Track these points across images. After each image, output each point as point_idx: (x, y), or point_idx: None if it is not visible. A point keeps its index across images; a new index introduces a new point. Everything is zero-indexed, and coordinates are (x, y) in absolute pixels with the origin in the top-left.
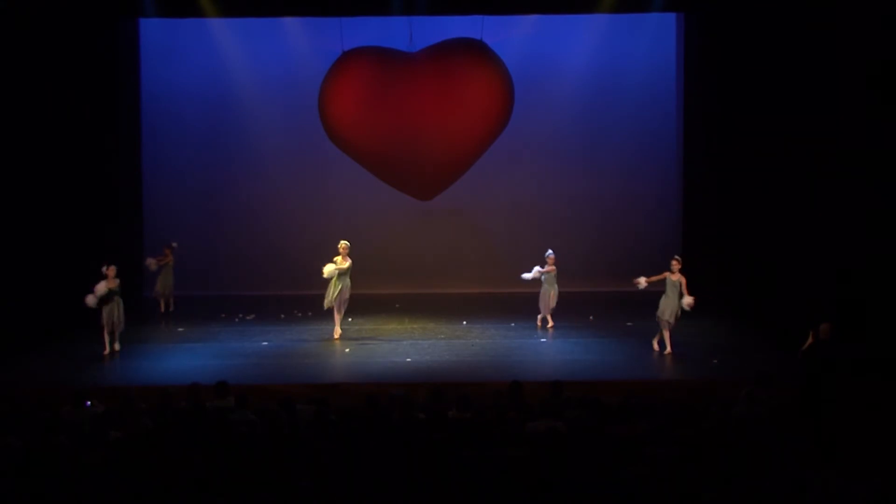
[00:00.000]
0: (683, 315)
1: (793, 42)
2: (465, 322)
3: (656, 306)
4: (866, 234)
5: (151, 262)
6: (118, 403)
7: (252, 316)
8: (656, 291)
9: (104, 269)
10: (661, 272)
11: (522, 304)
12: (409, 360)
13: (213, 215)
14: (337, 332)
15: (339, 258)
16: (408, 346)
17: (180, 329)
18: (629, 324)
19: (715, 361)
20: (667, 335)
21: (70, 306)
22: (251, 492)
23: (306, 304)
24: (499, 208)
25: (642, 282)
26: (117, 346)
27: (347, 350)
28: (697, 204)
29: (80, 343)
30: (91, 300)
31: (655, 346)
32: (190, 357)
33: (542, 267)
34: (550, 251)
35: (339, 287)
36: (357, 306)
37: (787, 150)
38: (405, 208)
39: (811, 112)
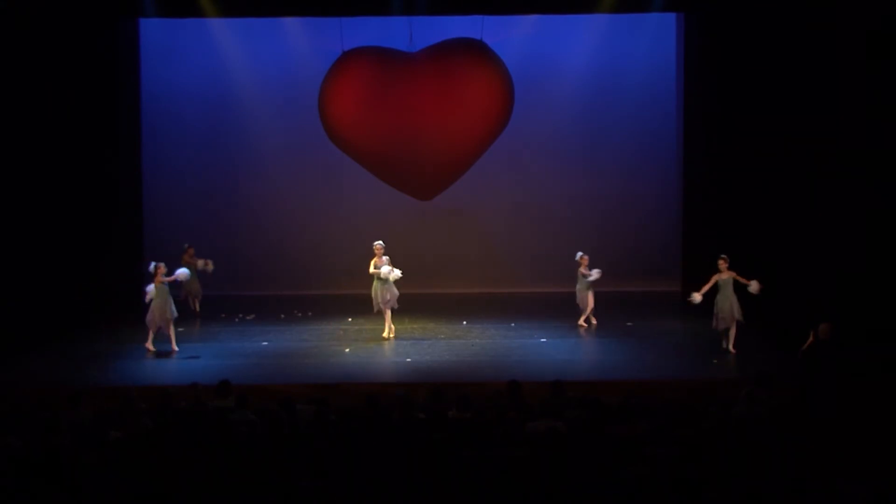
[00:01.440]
0: (685, 314)
1: (793, 42)
2: (465, 322)
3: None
4: (866, 234)
5: (207, 263)
6: (118, 403)
7: (252, 316)
8: (654, 292)
9: (152, 267)
10: (662, 273)
11: (522, 304)
12: (409, 360)
13: (213, 215)
14: (386, 331)
15: (376, 259)
16: (408, 346)
17: (180, 329)
18: (629, 324)
19: (715, 361)
20: (732, 332)
21: (70, 306)
22: (251, 492)
23: (306, 304)
24: (499, 208)
25: (697, 297)
26: (175, 347)
27: (347, 350)
28: (697, 204)
29: (80, 343)
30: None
31: (731, 348)
32: (190, 357)
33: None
34: (581, 253)
35: (377, 288)
36: (357, 306)
37: (787, 150)
38: (405, 208)
39: (811, 112)
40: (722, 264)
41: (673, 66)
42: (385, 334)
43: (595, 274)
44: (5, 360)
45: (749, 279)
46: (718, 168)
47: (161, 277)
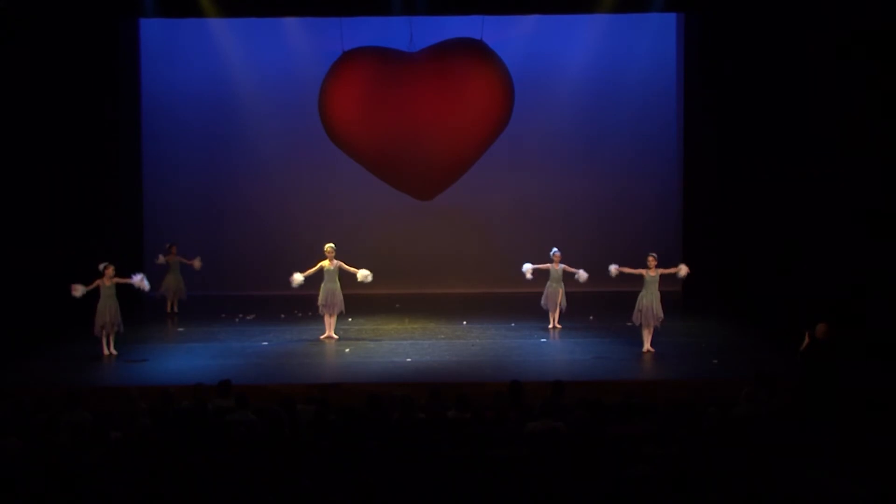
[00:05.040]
0: (685, 314)
1: (793, 42)
2: (465, 322)
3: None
4: (866, 235)
5: (162, 258)
6: (118, 403)
7: (252, 316)
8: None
9: (101, 267)
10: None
11: (522, 304)
12: (409, 360)
13: (213, 215)
14: (332, 331)
15: (325, 262)
16: (408, 346)
17: (180, 329)
18: (629, 324)
19: (715, 361)
20: (649, 333)
21: (70, 306)
22: (251, 492)
23: (306, 304)
24: (499, 208)
25: (614, 271)
26: (114, 350)
27: (347, 350)
28: (697, 204)
29: (80, 343)
30: (79, 290)
31: (649, 347)
32: (190, 357)
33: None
34: (555, 250)
35: (338, 290)
36: (357, 306)
37: (787, 151)
38: (405, 208)
39: (811, 112)
40: (651, 261)
41: (673, 66)
42: (331, 334)
43: (583, 274)
44: (5, 360)
45: (678, 266)
46: (718, 168)
47: (108, 279)
